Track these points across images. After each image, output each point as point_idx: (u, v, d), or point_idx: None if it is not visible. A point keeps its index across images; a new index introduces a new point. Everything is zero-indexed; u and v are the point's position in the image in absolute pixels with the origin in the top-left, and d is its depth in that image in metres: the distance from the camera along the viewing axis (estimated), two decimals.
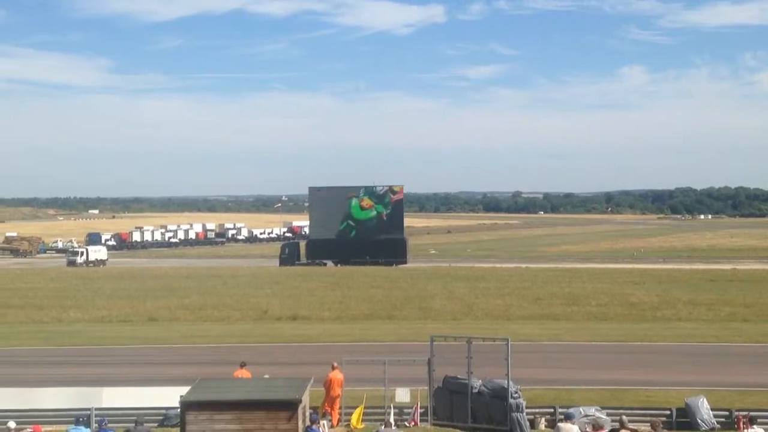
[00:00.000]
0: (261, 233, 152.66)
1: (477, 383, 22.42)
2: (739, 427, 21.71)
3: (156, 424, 22.28)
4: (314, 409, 20.82)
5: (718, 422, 22.47)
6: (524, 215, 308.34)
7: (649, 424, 18.97)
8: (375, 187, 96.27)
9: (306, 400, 19.05)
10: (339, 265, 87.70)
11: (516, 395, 21.92)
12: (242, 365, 23.56)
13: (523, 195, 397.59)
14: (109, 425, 20.02)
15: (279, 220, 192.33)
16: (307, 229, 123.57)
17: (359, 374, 23.96)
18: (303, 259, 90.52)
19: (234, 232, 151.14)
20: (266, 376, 22.80)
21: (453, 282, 63.05)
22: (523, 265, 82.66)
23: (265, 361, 30.17)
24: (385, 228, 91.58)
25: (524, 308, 47.04)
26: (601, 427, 18.95)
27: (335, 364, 23.07)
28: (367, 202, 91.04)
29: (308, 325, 41.75)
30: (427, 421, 22.72)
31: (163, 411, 22.66)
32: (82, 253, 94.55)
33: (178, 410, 18.82)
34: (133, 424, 19.28)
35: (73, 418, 21.13)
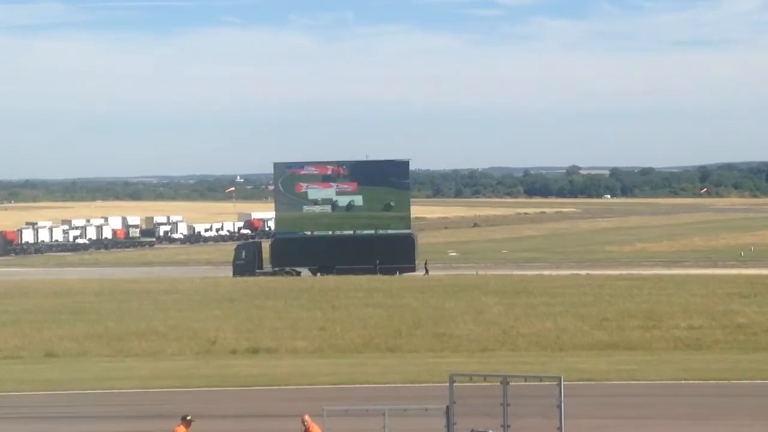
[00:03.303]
0: (206, 230, 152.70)
1: None
2: None
3: None
4: None
5: None
6: (584, 200, 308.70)
7: None
8: (369, 162, 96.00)
9: None
10: (319, 274, 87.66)
11: None
12: (184, 420, 23.57)
13: (582, 171, 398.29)
14: None
15: (232, 211, 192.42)
16: (272, 224, 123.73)
17: (348, 430, 23.94)
18: (267, 267, 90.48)
19: (168, 228, 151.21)
20: None
21: (482, 297, 62.98)
22: (583, 272, 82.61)
23: (214, 413, 30.14)
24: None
25: (584, 334, 46.98)
26: None
27: (307, 419, 22.98)
28: None
29: (275, 361, 41.70)
30: None
31: None
32: None
33: None
34: None
35: None
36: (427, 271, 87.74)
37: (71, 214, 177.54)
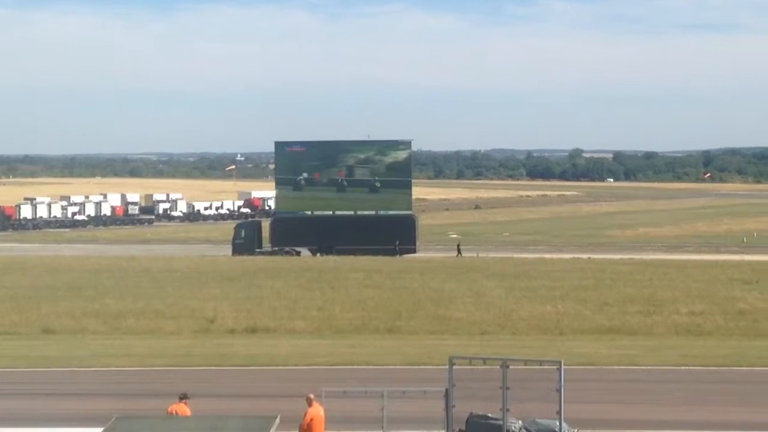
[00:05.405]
0: (206, 208, 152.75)
1: (516, 425, 22.49)
2: None
3: None
4: None
5: None
6: (586, 184, 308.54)
7: None
8: (371, 142, 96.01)
9: None
10: (318, 254, 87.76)
11: None
12: (181, 398, 23.65)
13: (585, 155, 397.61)
14: None
15: (232, 190, 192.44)
16: (272, 203, 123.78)
17: (346, 411, 23.97)
18: (266, 246, 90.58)
19: (167, 206, 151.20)
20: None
21: (482, 280, 63.08)
22: (584, 256, 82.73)
23: (212, 392, 30.18)
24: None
25: (584, 318, 47.12)
26: None
27: (311, 396, 23.11)
28: None
29: (273, 341, 41.81)
30: None
31: None
32: None
33: None
34: None
35: None
36: (459, 252, 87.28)
37: (70, 190, 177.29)
